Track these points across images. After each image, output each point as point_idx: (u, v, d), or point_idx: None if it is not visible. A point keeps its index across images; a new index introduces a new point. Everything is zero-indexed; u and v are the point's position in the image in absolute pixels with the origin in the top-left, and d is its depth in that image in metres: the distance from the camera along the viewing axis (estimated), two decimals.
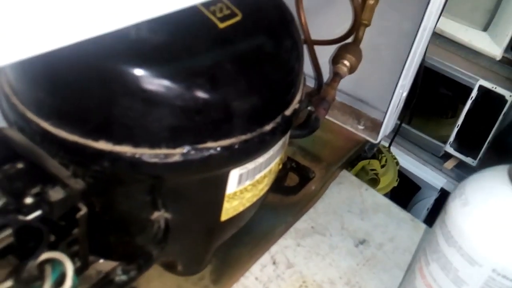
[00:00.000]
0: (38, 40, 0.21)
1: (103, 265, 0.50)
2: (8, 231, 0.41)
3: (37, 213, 0.40)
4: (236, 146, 0.42)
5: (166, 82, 0.38)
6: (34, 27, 0.21)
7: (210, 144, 0.41)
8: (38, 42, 0.21)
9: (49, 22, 0.22)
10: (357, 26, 0.73)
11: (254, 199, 0.52)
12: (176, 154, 0.40)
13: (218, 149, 0.41)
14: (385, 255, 0.68)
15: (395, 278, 0.64)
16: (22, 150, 0.43)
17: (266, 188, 0.53)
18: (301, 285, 0.61)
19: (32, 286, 0.40)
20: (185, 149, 0.40)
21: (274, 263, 0.64)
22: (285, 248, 0.66)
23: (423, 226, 0.73)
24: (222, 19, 0.41)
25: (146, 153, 0.39)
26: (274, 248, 0.66)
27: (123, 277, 0.38)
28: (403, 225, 0.73)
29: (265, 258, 0.64)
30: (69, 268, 0.39)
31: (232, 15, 0.42)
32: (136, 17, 0.27)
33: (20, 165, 0.43)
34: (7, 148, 0.43)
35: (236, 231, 0.57)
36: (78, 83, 0.38)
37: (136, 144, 0.39)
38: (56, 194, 0.40)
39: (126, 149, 0.39)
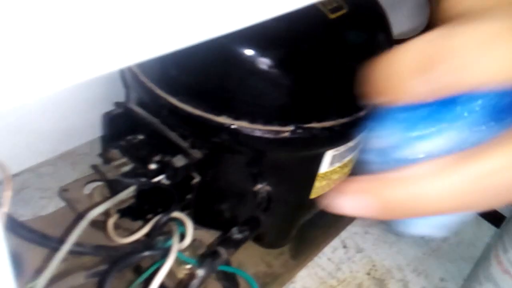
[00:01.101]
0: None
1: (200, 233, 0.54)
2: (130, 193, 0.46)
3: (161, 176, 0.45)
4: (336, 128, 0.47)
5: (284, 66, 0.43)
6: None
7: (314, 125, 0.46)
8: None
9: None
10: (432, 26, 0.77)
11: (338, 182, 0.57)
12: (285, 131, 0.45)
13: (321, 129, 0.46)
14: (450, 248, 0.72)
15: (460, 269, 0.68)
16: (143, 123, 0.49)
17: (348, 173, 0.58)
18: (371, 269, 0.66)
19: (157, 240, 0.45)
20: (293, 127, 0.45)
21: (344, 247, 0.68)
22: (354, 234, 0.71)
23: (486, 223, 0.76)
24: (332, 11, 0.45)
25: (261, 129, 0.44)
26: (344, 234, 0.70)
27: (239, 236, 0.43)
28: (468, 221, 0.76)
29: (336, 242, 0.69)
30: (190, 226, 0.45)
31: (339, 8, 0.46)
32: (264, 15, 0.29)
33: (141, 137, 0.49)
34: (131, 120, 0.49)
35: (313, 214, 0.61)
36: (207, 64, 0.43)
37: (252, 120, 0.44)
38: (178, 161, 0.46)
39: (244, 124, 0.44)
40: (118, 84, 0.60)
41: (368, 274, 0.64)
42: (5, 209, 0.29)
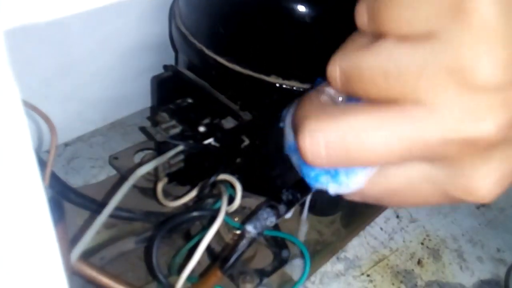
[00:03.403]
0: None
1: (249, 201, 0.54)
2: (179, 156, 0.45)
3: (210, 140, 0.44)
4: None
5: (336, 22, 0.41)
6: None
7: None
8: None
9: None
10: None
11: None
12: None
13: None
14: (506, 218, 0.69)
15: None
16: (192, 86, 0.48)
17: None
18: (425, 238, 0.64)
19: (206, 203, 0.45)
20: None
21: (397, 216, 0.67)
22: None
23: None
24: None
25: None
26: None
27: (290, 196, 0.42)
28: None
29: (389, 212, 0.67)
30: (239, 189, 0.44)
31: None
32: None
33: (189, 100, 0.48)
34: (180, 84, 0.48)
35: None
36: (257, 22, 0.42)
37: (303, 79, 0.43)
38: (227, 123, 0.45)
39: (294, 84, 0.43)
40: (169, 52, 0.60)
41: (422, 244, 0.62)
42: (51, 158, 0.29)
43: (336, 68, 0.24)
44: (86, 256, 0.45)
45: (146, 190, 0.53)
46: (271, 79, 0.42)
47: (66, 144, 0.64)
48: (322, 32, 0.41)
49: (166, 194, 0.47)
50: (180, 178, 0.49)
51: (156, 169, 0.45)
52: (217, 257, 0.47)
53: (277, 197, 0.42)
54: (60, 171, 0.61)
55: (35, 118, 0.37)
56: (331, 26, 0.41)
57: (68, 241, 0.33)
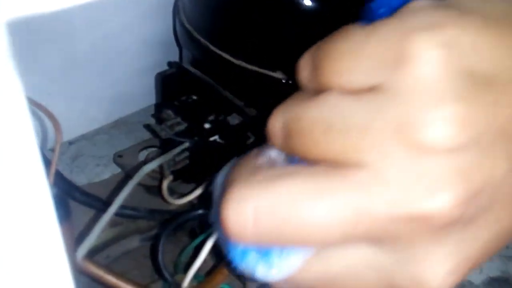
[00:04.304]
0: None
1: None
2: (184, 153, 0.45)
3: (216, 136, 0.44)
4: None
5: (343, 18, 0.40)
6: None
7: None
8: None
9: None
10: None
11: None
12: None
13: None
14: None
15: None
16: (197, 83, 0.47)
17: None
18: None
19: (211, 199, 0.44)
20: None
21: None
22: None
23: None
24: None
25: None
26: None
27: None
28: None
29: None
30: None
31: None
32: None
33: (194, 97, 0.48)
34: (184, 80, 0.48)
35: None
36: (262, 18, 0.42)
37: None
38: (233, 120, 0.44)
39: None
40: (173, 49, 0.59)
41: None
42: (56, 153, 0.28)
43: (276, 122, 0.21)
44: (91, 254, 0.45)
45: (151, 188, 0.53)
46: (277, 75, 0.42)
47: (70, 143, 0.64)
48: (328, 28, 0.40)
49: (172, 191, 0.47)
50: (185, 175, 0.48)
51: (161, 166, 0.45)
52: (223, 255, 0.47)
53: None
54: (65, 169, 0.60)
55: (39, 115, 0.37)
56: (338, 21, 0.40)
57: (74, 240, 0.33)
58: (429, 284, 0.18)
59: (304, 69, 0.21)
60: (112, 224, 0.50)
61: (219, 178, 0.25)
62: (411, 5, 0.18)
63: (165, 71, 0.48)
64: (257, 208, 0.19)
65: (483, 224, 0.19)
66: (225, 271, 0.38)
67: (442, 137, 0.17)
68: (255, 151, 0.23)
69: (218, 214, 0.21)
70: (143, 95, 0.64)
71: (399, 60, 0.17)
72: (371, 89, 0.18)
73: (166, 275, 0.41)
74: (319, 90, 0.20)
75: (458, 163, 0.17)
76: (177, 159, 0.45)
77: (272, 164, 0.21)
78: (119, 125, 0.68)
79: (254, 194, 0.19)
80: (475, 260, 0.19)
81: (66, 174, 0.57)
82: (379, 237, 0.18)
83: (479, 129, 0.17)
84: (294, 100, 0.21)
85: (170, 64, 0.49)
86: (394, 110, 0.17)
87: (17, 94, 0.15)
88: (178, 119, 0.46)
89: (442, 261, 0.18)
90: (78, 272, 0.35)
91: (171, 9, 0.57)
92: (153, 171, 0.44)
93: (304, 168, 0.19)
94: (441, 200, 0.17)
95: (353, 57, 0.18)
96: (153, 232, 0.50)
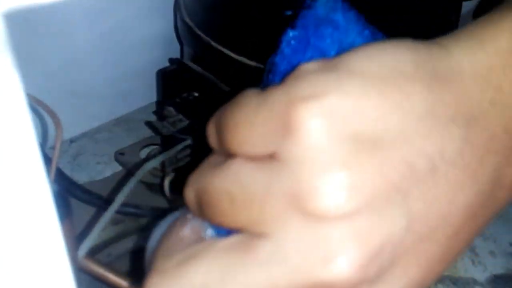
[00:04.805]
0: None
1: None
2: (185, 150, 0.45)
3: None
4: None
5: None
6: None
7: None
8: None
9: None
10: None
11: None
12: None
13: None
14: None
15: None
16: (198, 79, 0.47)
17: None
18: None
19: None
20: None
21: None
22: None
23: None
24: None
25: None
26: None
27: None
28: None
29: None
30: None
31: None
32: None
33: (196, 94, 0.47)
34: (186, 77, 0.47)
35: None
36: (266, 15, 0.41)
37: None
38: None
39: None
40: (175, 45, 0.59)
41: None
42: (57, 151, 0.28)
43: (191, 191, 0.21)
44: (93, 253, 0.45)
45: (153, 185, 0.53)
46: None
47: (71, 141, 0.64)
48: None
49: (174, 189, 0.47)
50: (187, 173, 0.48)
51: (162, 164, 0.44)
52: None
53: None
54: (66, 167, 0.60)
55: (40, 114, 0.36)
56: None
57: (75, 238, 0.33)
58: None
59: (211, 136, 0.22)
60: (114, 222, 0.50)
61: (152, 240, 0.25)
62: (299, 69, 0.19)
63: (166, 68, 0.48)
64: None
65: (390, 279, 0.19)
66: None
67: (333, 204, 0.17)
68: (182, 218, 0.23)
69: None
70: (144, 92, 0.64)
71: (286, 130, 0.17)
72: (270, 157, 0.18)
73: None
74: (227, 155, 0.20)
75: (352, 227, 0.17)
76: (178, 156, 0.45)
77: (195, 233, 0.22)
78: (120, 122, 0.68)
79: (168, 284, 0.19)
80: None
81: (67, 172, 0.56)
82: None
83: (369, 191, 0.17)
84: (205, 168, 0.21)
85: (171, 60, 0.49)
86: (287, 179, 0.17)
87: (16, 90, 0.14)
88: (180, 116, 0.45)
89: None
90: (79, 271, 0.34)
91: (172, 5, 0.56)
92: (154, 168, 0.44)
93: (215, 245, 0.20)
94: (339, 266, 0.17)
95: (247, 126, 0.19)
96: None
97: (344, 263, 0.17)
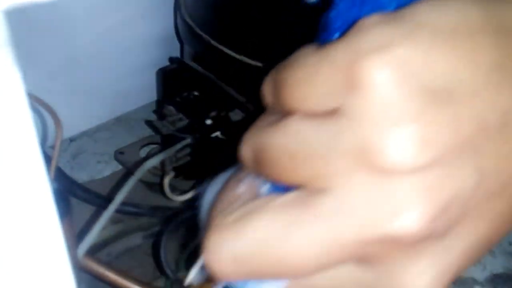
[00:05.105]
0: None
1: None
2: (185, 149, 0.45)
3: (218, 132, 0.44)
4: None
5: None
6: None
7: None
8: None
9: None
10: None
11: None
12: None
13: None
14: None
15: None
16: (198, 79, 0.47)
17: None
18: None
19: None
20: None
21: None
22: None
23: None
24: None
25: None
26: None
27: None
28: None
29: None
30: None
31: None
32: None
33: (196, 93, 0.47)
34: (186, 76, 0.47)
35: None
36: (266, 14, 0.41)
37: None
38: (235, 116, 0.44)
39: None
40: (175, 44, 0.59)
41: None
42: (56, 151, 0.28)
43: (247, 149, 0.21)
44: (93, 251, 0.45)
45: (153, 184, 0.53)
46: None
47: (71, 140, 0.64)
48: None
49: (173, 188, 0.47)
50: (187, 172, 0.48)
51: (162, 163, 0.44)
52: None
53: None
54: (65, 166, 0.60)
55: (39, 112, 0.36)
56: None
57: (75, 237, 0.33)
58: None
59: (267, 94, 0.21)
60: (113, 221, 0.50)
61: (206, 198, 0.25)
62: (361, 23, 0.18)
63: (166, 67, 0.48)
64: (233, 252, 0.19)
65: (457, 235, 0.19)
66: None
67: (403, 159, 0.16)
68: (235, 176, 0.23)
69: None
70: (144, 91, 0.64)
71: (352, 85, 0.17)
72: (332, 113, 0.18)
73: (168, 272, 0.40)
74: (284, 113, 0.20)
75: (422, 182, 0.17)
76: (178, 155, 0.45)
77: (251, 190, 0.22)
78: (120, 121, 0.68)
79: (229, 240, 0.19)
80: (454, 270, 0.19)
81: (67, 171, 0.56)
82: (354, 259, 0.19)
83: (441, 146, 0.17)
84: (261, 126, 0.21)
85: (171, 59, 0.49)
86: (352, 134, 0.17)
87: (17, 88, 0.14)
88: (180, 115, 0.45)
89: (421, 274, 0.18)
90: (79, 270, 0.34)
91: (172, 4, 0.56)
92: (154, 167, 0.44)
93: (274, 201, 0.19)
94: (407, 220, 0.17)
95: (308, 83, 0.18)
96: (155, 229, 0.50)
97: (413, 217, 0.17)
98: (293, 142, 0.19)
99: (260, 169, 0.21)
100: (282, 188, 0.20)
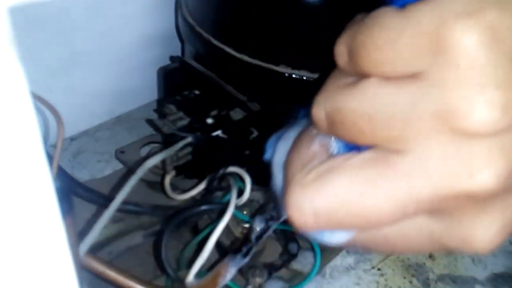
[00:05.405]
0: None
1: (259, 195, 0.53)
2: (186, 148, 0.45)
3: (219, 131, 0.44)
4: None
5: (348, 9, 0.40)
6: None
7: None
8: None
9: None
10: None
11: None
12: None
13: None
14: None
15: None
16: (199, 77, 0.47)
17: None
18: None
19: (215, 196, 0.44)
20: None
21: None
22: None
23: None
24: None
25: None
26: None
27: None
28: None
29: None
30: (248, 181, 0.43)
31: None
32: None
33: (197, 92, 0.47)
34: (187, 75, 0.47)
35: None
36: (265, 10, 0.41)
37: (312, 69, 0.42)
38: (236, 114, 0.44)
39: (303, 73, 0.42)
40: (176, 43, 0.59)
41: None
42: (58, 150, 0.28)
43: (321, 111, 0.22)
44: (94, 250, 0.45)
45: (154, 183, 0.53)
46: (280, 68, 0.41)
47: (72, 139, 0.64)
48: (332, 20, 0.40)
49: (174, 187, 0.47)
50: (188, 171, 0.48)
51: (163, 162, 0.44)
52: (226, 251, 0.46)
53: None
54: (66, 165, 0.60)
55: (41, 111, 0.36)
56: (341, 13, 0.40)
57: (76, 235, 0.33)
58: (478, 245, 0.20)
59: (341, 56, 0.21)
60: (114, 220, 0.50)
61: (278, 153, 0.27)
62: None
63: (167, 66, 0.48)
64: (315, 208, 0.21)
65: None
66: (228, 267, 0.38)
67: (486, 122, 0.17)
68: (307, 133, 0.24)
69: (278, 187, 0.25)
70: (145, 90, 0.64)
71: (439, 48, 0.17)
72: (412, 77, 0.18)
73: (169, 271, 0.40)
74: (359, 74, 0.20)
75: (499, 143, 0.18)
76: (179, 154, 0.45)
77: (324, 149, 0.23)
78: (121, 120, 0.68)
79: (310, 196, 0.21)
80: None
81: (68, 170, 0.56)
82: (427, 212, 0.20)
83: None
84: (334, 86, 0.21)
85: (172, 58, 0.49)
86: (436, 97, 0.18)
87: (21, 85, 0.14)
88: (181, 114, 0.45)
89: (489, 225, 0.20)
90: (81, 268, 0.34)
91: (173, 3, 0.56)
92: (155, 166, 0.44)
93: (350, 160, 0.21)
94: (484, 178, 0.18)
95: (389, 47, 0.19)
96: (156, 228, 0.50)
97: (490, 175, 0.18)
98: (372, 105, 0.19)
99: (334, 130, 0.22)
100: (354, 147, 0.21)
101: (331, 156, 0.22)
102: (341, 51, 0.21)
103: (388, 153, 0.19)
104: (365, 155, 0.20)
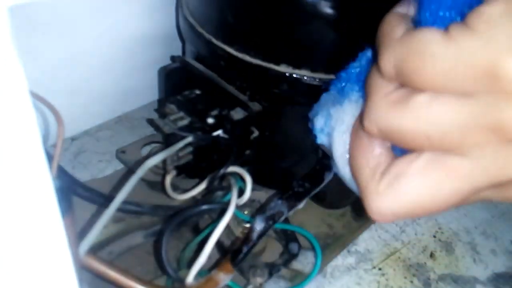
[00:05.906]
0: None
1: (259, 194, 0.53)
2: (187, 148, 0.44)
3: (220, 131, 0.44)
4: None
5: (349, 7, 0.40)
6: None
7: None
8: None
9: None
10: None
11: None
12: None
13: None
14: None
15: None
16: (200, 77, 0.47)
17: None
18: (437, 231, 0.63)
19: (215, 196, 0.44)
20: None
21: None
22: None
23: None
24: None
25: (322, 78, 0.42)
26: None
27: (301, 188, 0.41)
28: None
29: None
30: (249, 181, 0.43)
31: None
32: None
33: (197, 91, 0.47)
34: (187, 75, 0.47)
35: None
36: (266, 9, 0.41)
37: (314, 69, 0.42)
38: (237, 114, 0.44)
39: (304, 73, 0.42)
40: (176, 43, 0.59)
41: (434, 236, 0.61)
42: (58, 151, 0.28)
43: (373, 127, 0.25)
44: (94, 250, 0.45)
45: (154, 183, 0.53)
46: (281, 68, 0.41)
47: (73, 139, 0.64)
48: (333, 20, 0.40)
49: (175, 187, 0.46)
50: (188, 170, 0.48)
51: (164, 162, 0.44)
52: (226, 251, 0.46)
53: (287, 189, 0.41)
54: (67, 165, 0.60)
55: (41, 111, 0.36)
56: (342, 13, 0.40)
57: (76, 234, 0.33)
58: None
59: (387, 66, 0.24)
60: (115, 220, 0.50)
61: (337, 150, 0.30)
62: (484, 12, 0.20)
63: (168, 66, 0.48)
64: (393, 210, 0.25)
65: None
66: (229, 267, 0.38)
67: None
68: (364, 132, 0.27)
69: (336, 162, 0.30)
70: (146, 90, 0.64)
71: (493, 78, 0.20)
72: (463, 95, 0.21)
73: (170, 271, 0.40)
74: (406, 86, 0.24)
75: None
76: (180, 154, 0.45)
77: (386, 152, 0.26)
78: (122, 120, 0.68)
79: (387, 203, 0.25)
80: None
81: (69, 170, 0.56)
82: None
83: None
84: (383, 102, 0.24)
85: (173, 58, 0.49)
86: (491, 115, 0.21)
87: (20, 84, 0.14)
88: (181, 114, 0.45)
89: None
90: (81, 268, 0.34)
91: (174, 3, 0.56)
92: (156, 166, 0.44)
93: (413, 164, 0.24)
94: None
95: (444, 74, 0.21)
96: (157, 227, 0.50)
97: None
98: (428, 124, 0.22)
99: (390, 141, 0.26)
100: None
101: (393, 158, 0.26)
102: (388, 63, 0.24)
103: (447, 156, 0.23)
104: (425, 158, 0.23)
